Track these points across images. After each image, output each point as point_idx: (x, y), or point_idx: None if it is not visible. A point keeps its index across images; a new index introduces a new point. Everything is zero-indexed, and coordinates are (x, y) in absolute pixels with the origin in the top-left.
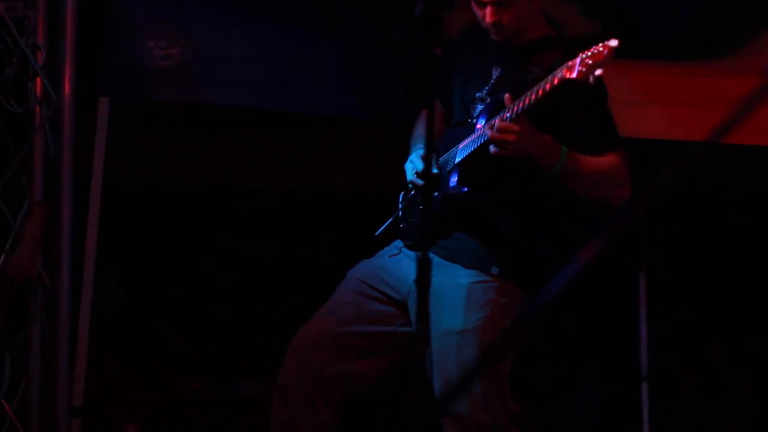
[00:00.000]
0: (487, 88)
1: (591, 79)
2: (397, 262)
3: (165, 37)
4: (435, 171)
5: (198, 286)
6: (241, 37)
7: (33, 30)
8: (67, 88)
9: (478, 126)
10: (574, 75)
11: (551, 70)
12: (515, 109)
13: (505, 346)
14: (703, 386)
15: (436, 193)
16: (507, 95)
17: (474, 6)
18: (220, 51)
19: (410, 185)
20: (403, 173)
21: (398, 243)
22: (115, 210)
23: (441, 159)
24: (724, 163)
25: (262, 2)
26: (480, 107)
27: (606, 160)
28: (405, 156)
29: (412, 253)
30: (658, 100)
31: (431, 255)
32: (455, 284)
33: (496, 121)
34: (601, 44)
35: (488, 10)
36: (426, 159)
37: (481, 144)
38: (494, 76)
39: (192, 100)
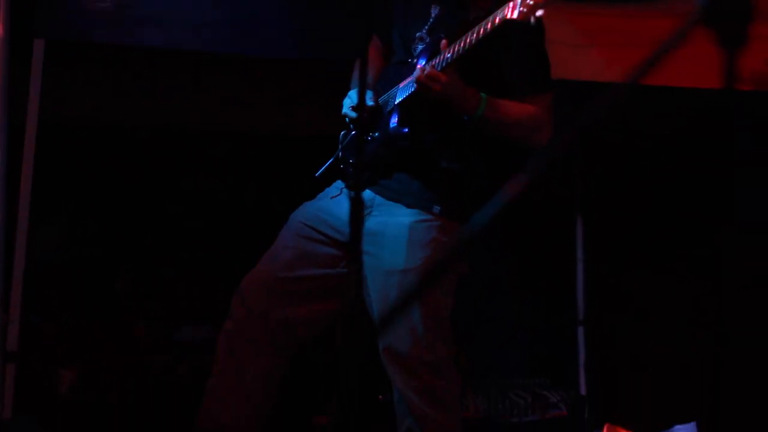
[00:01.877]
0: (426, 27)
1: (532, 19)
2: (339, 203)
3: None
4: (371, 104)
5: (138, 230)
6: None
7: None
8: (0, 29)
9: (419, 67)
10: (515, 15)
11: (492, 10)
12: (447, 55)
13: (440, 274)
14: (642, 330)
15: (376, 134)
16: (444, 41)
17: None
18: None
19: (346, 120)
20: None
21: (339, 184)
22: (51, 152)
23: (381, 99)
24: (651, 105)
25: None
26: (420, 47)
27: (528, 107)
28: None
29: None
30: (596, 42)
31: (373, 195)
32: (398, 223)
33: (427, 67)
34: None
35: None
36: (360, 91)
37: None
38: (433, 15)
39: (128, 42)
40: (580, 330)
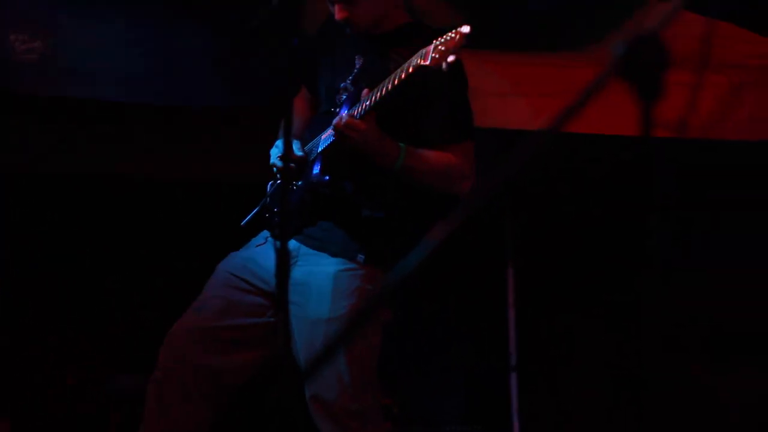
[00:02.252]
0: (350, 77)
1: (444, 65)
2: (265, 253)
3: (26, 30)
4: (300, 154)
5: (74, 280)
6: (103, 29)
7: None
8: None
9: (341, 115)
10: (427, 62)
11: (410, 58)
12: (366, 104)
13: (364, 322)
14: (571, 375)
15: (300, 182)
16: (366, 90)
17: (326, 1)
18: (82, 44)
19: (274, 170)
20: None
21: (265, 233)
22: None
23: (306, 147)
24: (574, 152)
25: None
26: (344, 97)
27: (449, 156)
28: (272, 145)
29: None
30: (523, 91)
31: (298, 244)
32: (322, 273)
33: (345, 116)
34: (453, 31)
35: (336, 8)
36: (285, 141)
37: None
38: (357, 66)
39: (55, 93)
40: (513, 376)
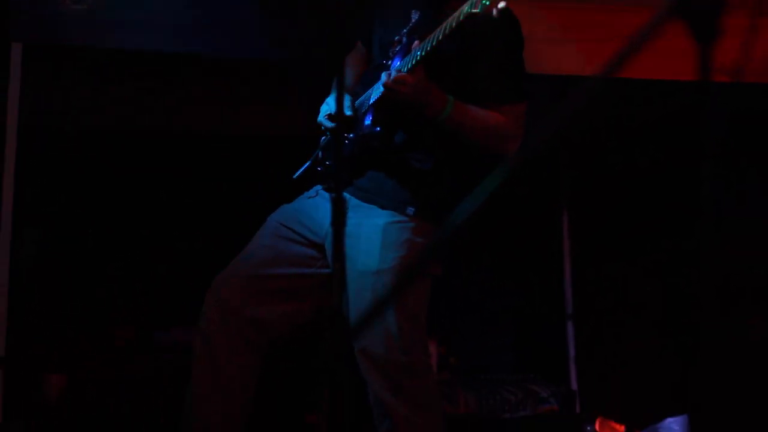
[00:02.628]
0: (405, 30)
1: (495, 12)
2: (315, 205)
3: None
4: (349, 113)
5: (121, 233)
6: None
7: None
8: None
9: (393, 67)
10: (477, 9)
11: None
12: (417, 55)
13: (415, 278)
14: (626, 323)
15: (351, 135)
16: (416, 42)
17: None
18: None
19: (321, 127)
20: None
21: (317, 186)
22: (31, 157)
23: (358, 101)
24: (625, 97)
25: None
26: (397, 49)
27: (498, 115)
28: (323, 95)
29: (329, 196)
30: (574, 36)
31: (348, 196)
32: (371, 225)
33: (393, 72)
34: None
35: None
36: (338, 100)
37: None
38: (413, 19)
39: (105, 44)
40: (569, 324)
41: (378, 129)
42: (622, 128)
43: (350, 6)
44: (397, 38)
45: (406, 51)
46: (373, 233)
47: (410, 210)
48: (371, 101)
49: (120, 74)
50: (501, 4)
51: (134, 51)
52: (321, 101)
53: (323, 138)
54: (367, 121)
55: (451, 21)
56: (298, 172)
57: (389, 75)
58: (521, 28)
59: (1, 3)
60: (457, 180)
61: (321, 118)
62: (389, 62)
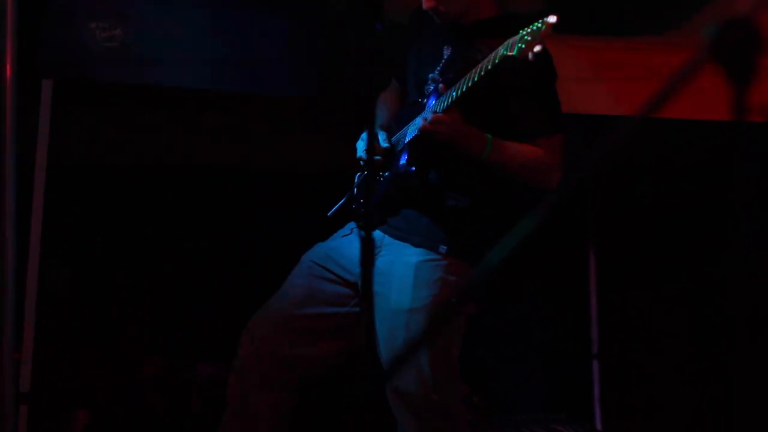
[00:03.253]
0: (438, 68)
1: (530, 56)
2: (350, 243)
3: (107, 17)
4: (386, 145)
5: (150, 267)
6: (183, 16)
7: None
8: (8, 70)
9: (429, 107)
10: (513, 52)
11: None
12: (452, 95)
13: (449, 318)
14: (653, 361)
15: (386, 173)
16: (442, 85)
17: None
18: (162, 31)
19: (361, 162)
20: (355, 152)
21: (351, 224)
22: (60, 192)
23: (393, 138)
24: (663, 137)
25: None
26: (432, 87)
27: (536, 149)
28: (358, 135)
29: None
30: (605, 75)
31: (381, 234)
32: (404, 263)
33: (430, 114)
34: (540, 21)
35: None
36: (370, 134)
37: None
38: (445, 56)
39: (135, 81)
40: (595, 363)
41: (413, 169)
42: (650, 165)
43: (384, 43)
44: (431, 76)
45: (440, 91)
46: (406, 271)
47: (443, 248)
48: (407, 140)
49: (149, 110)
50: (537, 48)
51: (164, 87)
52: (355, 138)
53: (358, 175)
54: (403, 160)
55: (487, 63)
56: (333, 210)
57: (425, 119)
58: (553, 61)
59: (31, 40)
60: (489, 219)
61: (360, 152)
62: (424, 100)
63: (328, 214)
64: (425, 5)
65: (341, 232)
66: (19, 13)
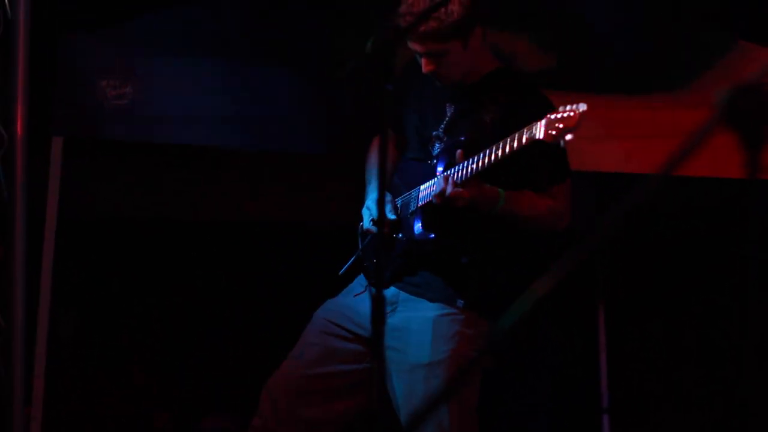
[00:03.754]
0: (442, 126)
1: (561, 143)
2: (363, 300)
3: (118, 76)
4: (392, 217)
5: (160, 320)
6: (195, 74)
7: None
8: (19, 127)
9: (438, 170)
10: (542, 136)
11: (505, 107)
12: (471, 167)
13: (469, 375)
14: (664, 417)
15: (400, 235)
16: (459, 152)
17: (414, 51)
18: (173, 89)
19: (368, 232)
20: (360, 214)
21: (362, 280)
22: (70, 248)
23: (400, 199)
24: (675, 194)
25: (214, 39)
26: (438, 146)
27: (545, 198)
28: (363, 186)
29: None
30: (615, 133)
31: (397, 291)
32: (422, 318)
33: (449, 188)
34: (570, 108)
35: (424, 61)
36: (380, 201)
37: None
38: (449, 114)
39: (145, 138)
40: (605, 417)
41: (432, 235)
42: (660, 221)
43: (389, 97)
44: (435, 134)
45: (449, 154)
46: (423, 326)
47: (460, 302)
48: (419, 203)
49: (158, 166)
50: (569, 137)
51: (176, 144)
52: (359, 191)
53: (360, 228)
54: (418, 226)
55: (512, 142)
56: (344, 268)
57: (439, 196)
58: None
59: (42, 98)
60: (503, 271)
61: (367, 225)
62: (433, 162)
63: (340, 272)
64: (424, 69)
65: (353, 288)
66: (30, 71)
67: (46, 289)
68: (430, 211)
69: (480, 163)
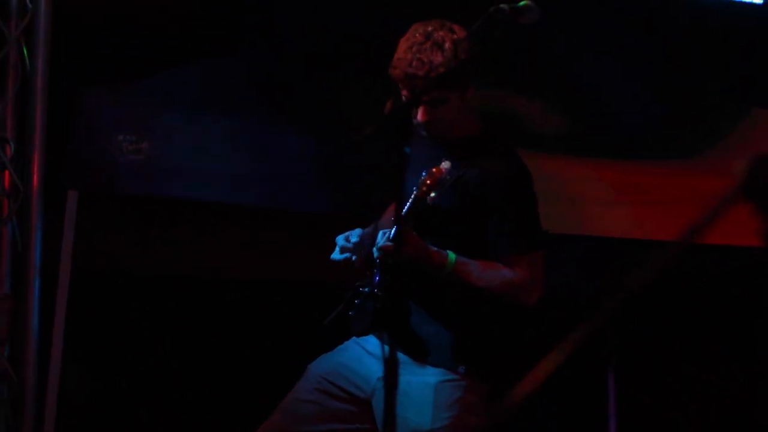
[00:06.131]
0: (416, 186)
1: (428, 199)
2: (359, 358)
3: (134, 130)
4: (355, 239)
5: (170, 378)
6: (210, 131)
7: (1, 122)
8: (35, 180)
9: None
10: (420, 194)
11: (480, 168)
12: (397, 223)
13: None
14: None
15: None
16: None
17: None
18: (189, 145)
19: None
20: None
21: (354, 339)
22: (83, 302)
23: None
24: (689, 260)
25: (231, 96)
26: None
27: (503, 270)
28: None
29: (374, 350)
30: (627, 199)
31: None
32: (422, 383)
33: (381, 241)
34: (434, 167)
35: (420, 109)
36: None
37: None
38: (423, 174)
39: (160, 194)
40: None
41: (377, 278)
42: (671, 287)
43: (406, 161)
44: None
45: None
46: (424, 391)
47: (462, 369)
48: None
49: (174, 221)
50: (432, 195)
51: (190, 200)
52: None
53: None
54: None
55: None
56: (330, 317)
57: (378, 243)
58: (532, 182)
59: (57, 152)
60: (505, 336)
61: (334, 255)
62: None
63: (325, 321)
64: (420, 118)
65: (347, 345)
66: (48, 125)
67: (58, 344)
68: (382, 266)
69: (403, 210)
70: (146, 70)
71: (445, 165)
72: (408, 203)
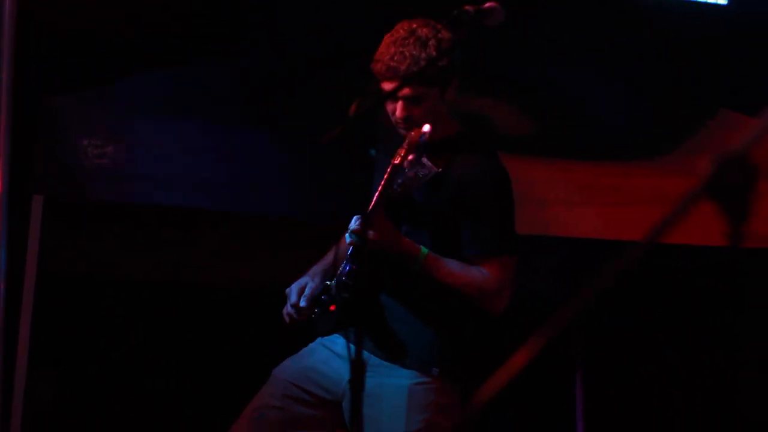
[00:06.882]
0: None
1: (405, 164)
2: (326, 361)
3: (99, 135)
4: (303, 304)
5: (131, 383)
6: (176, 135)
7: None
8: (0, 185)
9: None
10: (397, 161)
11: (458, 167)
12: (370, 206)
13: None
14: None
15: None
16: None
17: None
18: (155, 150)
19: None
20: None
21: (320, 340)
22: (49, 308)
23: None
24: (656, 260)
25: (197, 100)
26: None
27: (472, 272)
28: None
29: (342, 351)
30: (594, 200)
31: (368, 354)
32: (395, 385)
33: (353, 223)
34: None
35: (399, 104)
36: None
37: None
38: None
39: (125, 198)
40: None
41: (348, 267)
42: (640, 287)
43: (371, 163)
44: None
45: None
46: (397, 395)
47: (435, 371)
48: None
49: (139, 227)
50: (410, 157)
51: (155, 205)
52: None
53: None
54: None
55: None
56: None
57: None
58: (511, 185)
59: (23, 156)
60: (477, 337)
61: (289, 310)
62: None
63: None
64: (398, 113)
65: (313, 348)
66: (13, 130)
67: (24, 351)
68: (354, 256)
69: (372, 200)
70: (111, 75)
71: (426, 128)
72: (386, 174)
